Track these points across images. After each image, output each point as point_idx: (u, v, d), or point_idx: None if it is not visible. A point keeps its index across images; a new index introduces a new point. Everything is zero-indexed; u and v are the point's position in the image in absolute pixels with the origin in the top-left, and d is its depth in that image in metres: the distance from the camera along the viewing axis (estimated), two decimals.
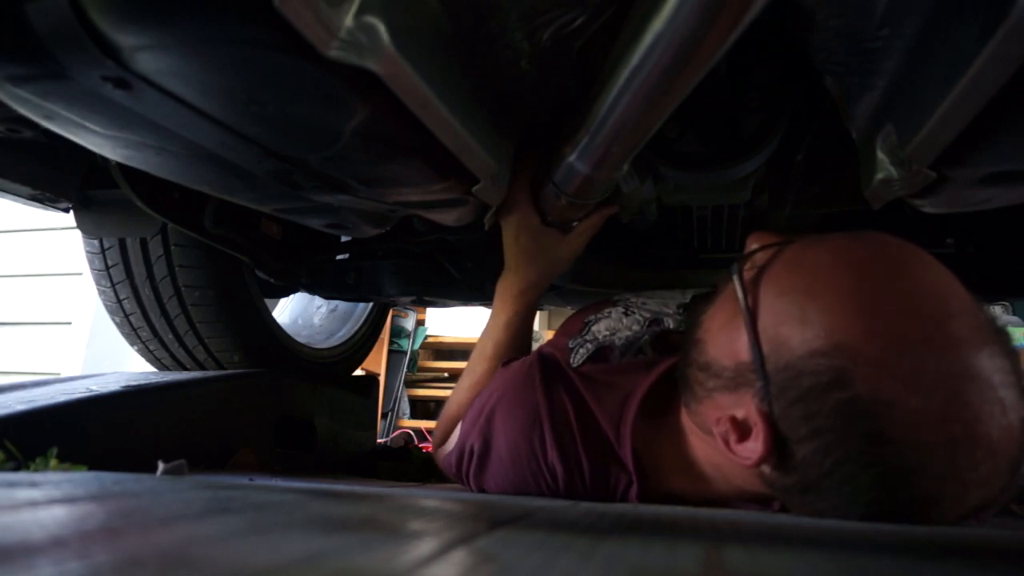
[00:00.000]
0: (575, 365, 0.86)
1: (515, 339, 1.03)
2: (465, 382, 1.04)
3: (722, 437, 0.64)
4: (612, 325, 0.95)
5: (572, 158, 0.80)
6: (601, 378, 0.82)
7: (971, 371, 0.55)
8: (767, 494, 0.67)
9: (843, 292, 0.58)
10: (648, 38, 0.54)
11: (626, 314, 0.98)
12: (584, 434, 0.77)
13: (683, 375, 0.72)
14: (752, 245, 0.70)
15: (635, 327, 0.94)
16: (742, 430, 0.62)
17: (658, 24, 0.52)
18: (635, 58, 0.57)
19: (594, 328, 0.95)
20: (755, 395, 0.61)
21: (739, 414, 0.63)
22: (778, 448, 0.60)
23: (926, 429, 0.54)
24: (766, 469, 0.62)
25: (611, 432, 0.77)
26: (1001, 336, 0.58)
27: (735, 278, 0.66)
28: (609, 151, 0.76)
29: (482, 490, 0.87)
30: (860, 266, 0.60)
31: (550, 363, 0.85)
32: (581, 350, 0.89)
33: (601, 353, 0.88)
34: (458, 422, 0.96)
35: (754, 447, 0.61)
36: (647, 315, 0.98)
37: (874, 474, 0.56)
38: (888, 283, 0.58)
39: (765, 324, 0.62)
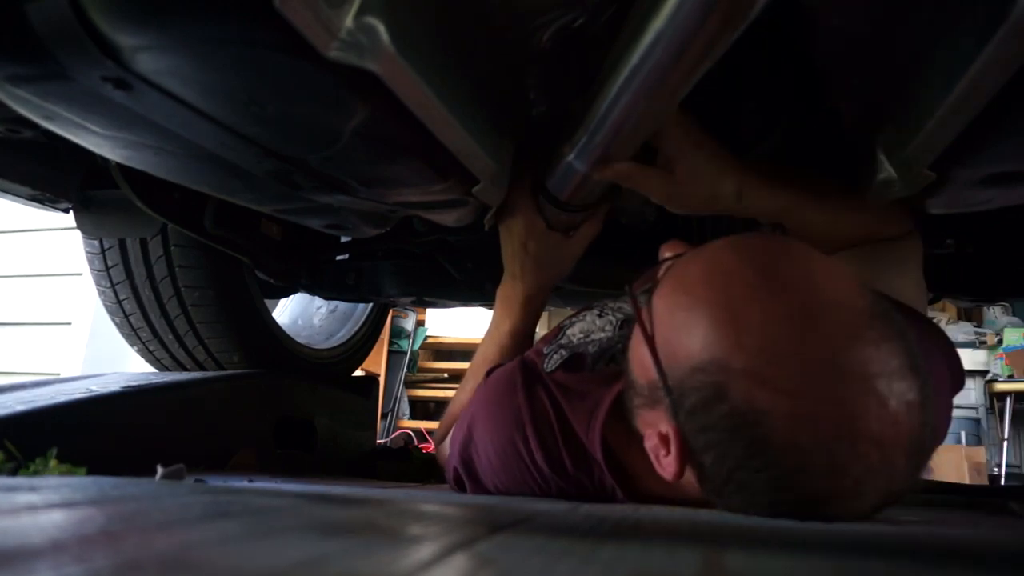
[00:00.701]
0: (548, 371, 0.86)
1: (520, 346, 1.04)
2: (468, 385, 1.04)
3: (653, 452, 0.66)
4: (586, 327, 0.96)
5: (571, 157, 0.80)
6: (573, 386, 0.83)
7: (841, 368, 0.55)
8: None
9: (712, 306, 0.60)
10: (648, 36, 0.54)
11: (600, 315, 0.98)
12: (565, 437, 0.79)
13: (624, 392, 0.74)
14: (663, 254, 0.72)
15: (608, 328, 0.95)
16: (666, 444, 0.64)
17: (659, 23, 0.52)
18: (635, 56, 0.57)
19: (568, 332, 0.96)
20: (666, 410, 0.63)
21: (662, 429, 0.64)
22: (689, 459, 0.62)
23: (801, 431, 0.55)
24: (691, 477, 0.64)
25: (585, 440, 0.78)
26: (884, 321, 0.58)
27: (631, 300, 0.68)
28: (608, 150, 0.76)
29: (477, 491, 0.88)
30: (725, 277, 0.61)
31: (530, 369, 0.87)
32: (555, 356, 0.90)
33: (575, 360, 0.89)
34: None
35: (671, 460, 0.63)
36: (620, 316, 0.98)
37: (765, 478, 0.57)
38: (751, 292, 0.59)
39: (661, 342, 0.64)
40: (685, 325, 0.62)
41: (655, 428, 0.65)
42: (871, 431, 0.55)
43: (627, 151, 0.78)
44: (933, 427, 0.58)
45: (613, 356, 0.89)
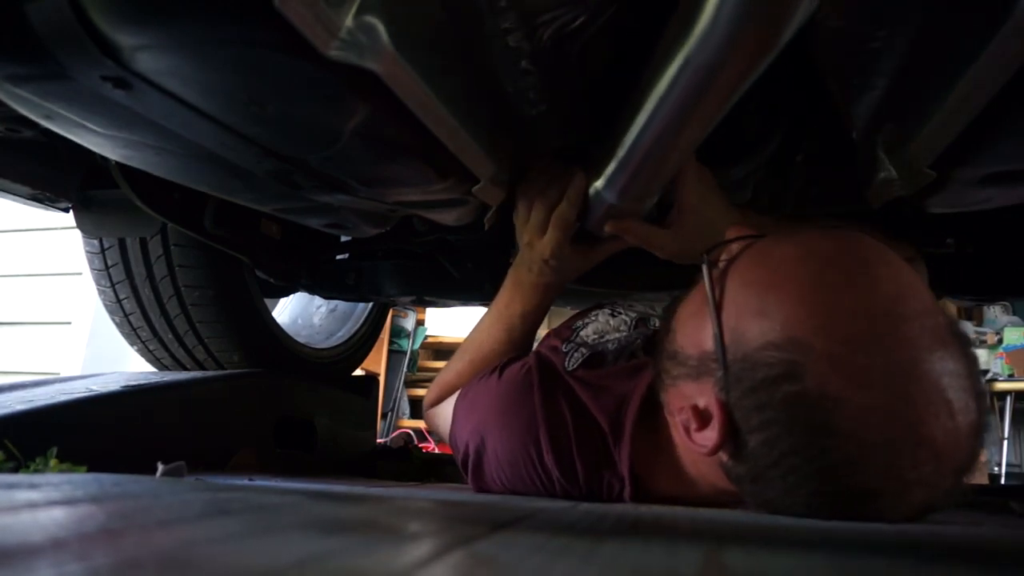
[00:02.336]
0: (570, 369, 0.86)
1: (529, 332, 1.02)
2: (468, 355, 1.02)
3: (683, 425, 0.66)
4: (600, 328, 0.95)
5: (600, 187, 0.79)
6: (596, 382, 0.83)
7: (919, 373, 0.55)
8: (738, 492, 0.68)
9: (802, 286, 0.60)
10: (676, 63, 0.53)
11: (613, 315, 0.97)
12: (579, 439, 0.78)
13: (656, 364, 0.74)
14: (730, 232, 0.71)
15: (622, 328, 0.94)
16: (702, 418, 0.64)
17: (687, 49, 0.50)
18: (664, 83, 0.56)
19: (582, 332, 0.95)
20: (715, 384, 0.62)
21: (700, 403, 0.64)
22: (732, 437, 0.61)
23: (869, 426, 0.55)
24: (723, 457, 0.64)
25: (610, 435, 0.77)
26: (959, 340, 0.58)
27: (704, 268, 0.67)
28: (637, 180, 0.75)
29: (482, 487, 0.87)
30: (822, 262, 0.61)
31: (547, 368, 0.86)
32: (575, 354, 0.90)
33: (595, 359, 0.89)
34: (453, 391, 0.97)
35: (710, 435, 0.62)
36: (633, 315, 0.98)
37: (816, 467, 0.57)
38: (847, 281, 0.59)
39: (728, 315, 0.63)
40: (767, 301, 0.61)
41: (690, 401, 0.65)
42: (935, 439, 0.55)
43: (655, 184, 0.78)
44: (980, 450, 0.59)
45: (633, 353, 0.89)
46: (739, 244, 0.69)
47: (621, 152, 0.71)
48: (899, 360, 0.55)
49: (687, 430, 0.65)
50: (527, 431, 0.80)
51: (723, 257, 0.69)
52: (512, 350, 0.99)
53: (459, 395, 0.95)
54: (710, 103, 0.56)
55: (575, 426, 0.79)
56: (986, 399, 0.59)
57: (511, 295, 1.02)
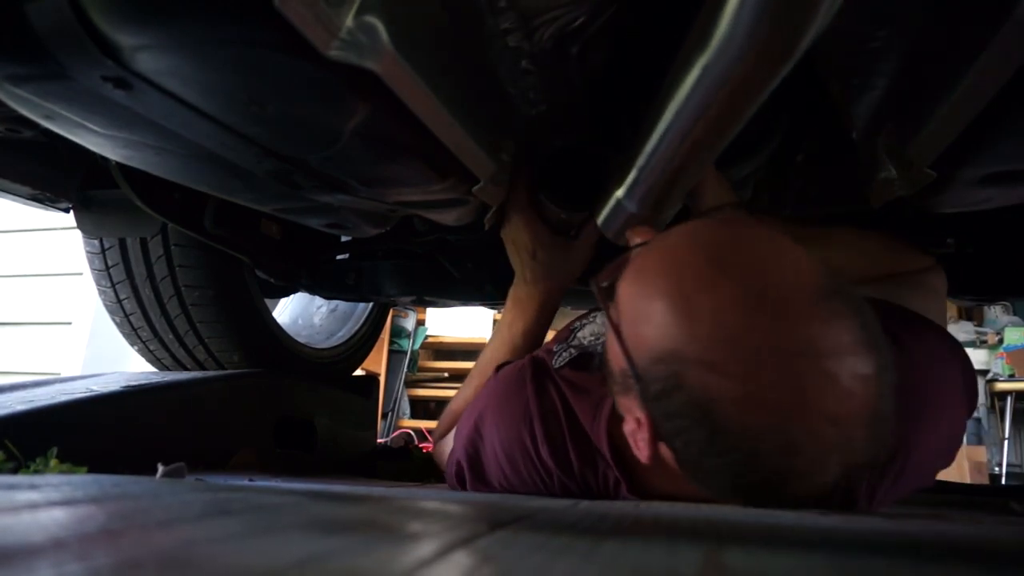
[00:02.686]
0: (557, 367, 0.87)
1: (532, 347, 1.04)
2: (473, 383, 1.05)
3: (631, 436, 0.67)
4: (596, 329, 0.96)
5: (620, 196, 0.79)
6: (579, 383, 0.84)
7: (788, 349, 0.56)
8: None
9: (666, 297, 0.62)
10: (695, 72, 0.52)
11: None
12: (572, 433, 0.80)
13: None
14: (632, 241, 0.73)
15: None
16: (641, 427, 0.66)
17: (705, 58, 0.51)
18: (683, 93, 0.56)
19: (579, 334, 0.96)
20: (637, 397, 0.65)
21: (637, 414, 0.66)
22: (663, 444, 0.64)
23: (752, 415, 0.57)
24: (669, 456, 0.65)
25: (592, 436, 0.79)
26: (834, 299, 0.58)
27: (594, 291, 0.70)
28: (657, 189, 0.75)
29: (481, 488, 0.88)
30: (679, 267, 0.63)
31: (540, 365, 0.88)
32: (564, 354, 0.91)
33: (584, 358, 0.89)
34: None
35: (644, 442, 0.65)
36: None
37: (727, 462, 0.59)
38: (703, 281, 0.60)
39: (626, 331, 0.65)
40: (644, 315, 0.63)
41: (632, 414, 0.67)
42: (824, 408, 0.56)
43: (676, 193, 0.78)
44: (891, 396, 0.59)
45: None
46: (624, 259, 0.71)
47: (641, 161, 0.71)
48: (764, 344, 0.56)
49: (634, 441, 0.67)
50: (522, 422, 0.82)
51: (612, 276, 0.71)
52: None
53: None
54: (730, 112, 0.57)
55: (567, 420, 0.80)
56: (878, 343, 0.58)
57: (513, 315, 1.04)
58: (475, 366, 1.08)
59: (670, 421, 0.61)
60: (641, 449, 0.66)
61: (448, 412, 1.07)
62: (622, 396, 0.69)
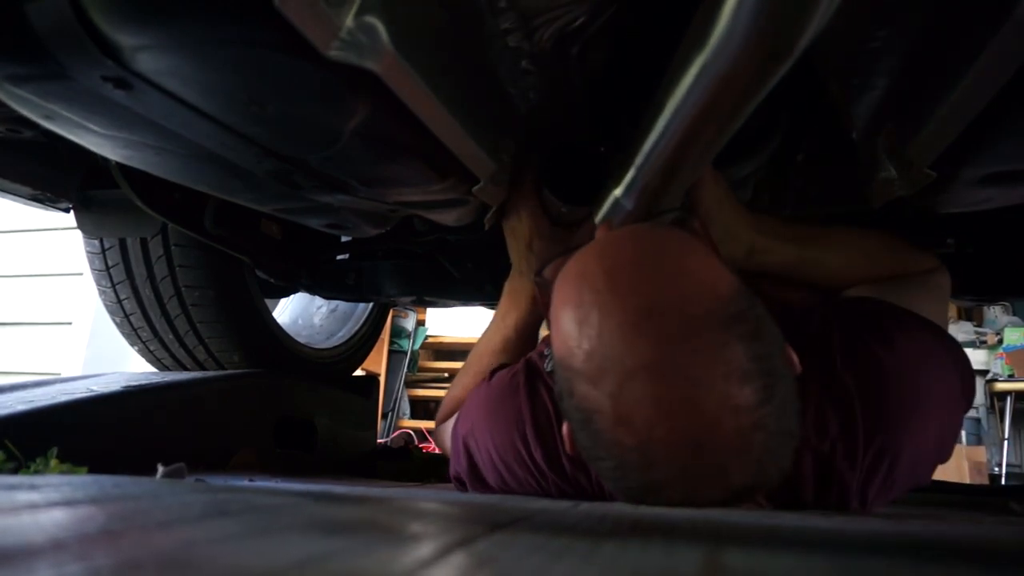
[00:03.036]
0: (549, 371, 0.87)
1: (525, 339, 1.06)
2: (472, 370, 1.07)
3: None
4: None
5: (618, 194, 0.79)
6: None
7: (659, 371, 0.57)
8: None
9: (565, 309, 0.64)
10: (693, 70, 0.52)
11: None
12: (552, 433, 0.81)
13: None
14: (595, 236, 0.74)
15: None
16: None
17: (703, 57, 0.50)
18: (681, 90, 0.56)
19: None
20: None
21: None
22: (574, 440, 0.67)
23: (620, 431, 0.59)
24: None
25: None
26: (730, 324, 0.58)
27: (537, 293, 0.73)
28: (655, 187, 0.75)
29: (480, 491, 0.89)
30: (580, 281, 0.64)
31: (533, 369, 0.89)
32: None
33: None
34: (459, 407, 1.02)
35: (566, 436, 0.68)
36: None
37: (605, 466, 0.62)
38: (596, 297, 0.61)
39: (551, 330, 0.68)
40: (554, 320, 0.66)
41: None
42: (683, 433, 0.57)
43: (674, 191, 0.78)
44: (785, 431, 0.59)
45: None
46: (565, 258, 0.71)
47: (638, 159, 0.70)
48: (639, 363, 0.57)
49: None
50: (515, 426, 0.83)
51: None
52: (509, 360, 1.01)
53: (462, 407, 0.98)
54: (726, 111, 0.56)
55: (559, 424, 0.80)
56: (763, 375, 0.58)
57: (507, 306, 1.06)
58: (471, 354, 1.11)
59: (568, 421, 0.66)
60: (566, 440, 0.69)
61: (449, 399, 1.10)
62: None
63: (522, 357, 1.03)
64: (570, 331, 0.62)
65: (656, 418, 0.57)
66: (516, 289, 1.05)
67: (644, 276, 0.62)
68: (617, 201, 0.80)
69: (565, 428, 0.68)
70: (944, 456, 0.82)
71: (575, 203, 0.96)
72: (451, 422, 1.02)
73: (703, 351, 0.57)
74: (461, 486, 0.93)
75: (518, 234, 1.00)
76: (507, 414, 0.84)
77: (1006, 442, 4.25)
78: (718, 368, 0.57)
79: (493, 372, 0.94)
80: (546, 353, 0.93)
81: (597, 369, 0.59)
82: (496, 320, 1.08)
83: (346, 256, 1.56)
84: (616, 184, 0.78)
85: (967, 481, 3.41)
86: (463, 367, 1.12)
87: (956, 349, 0.84)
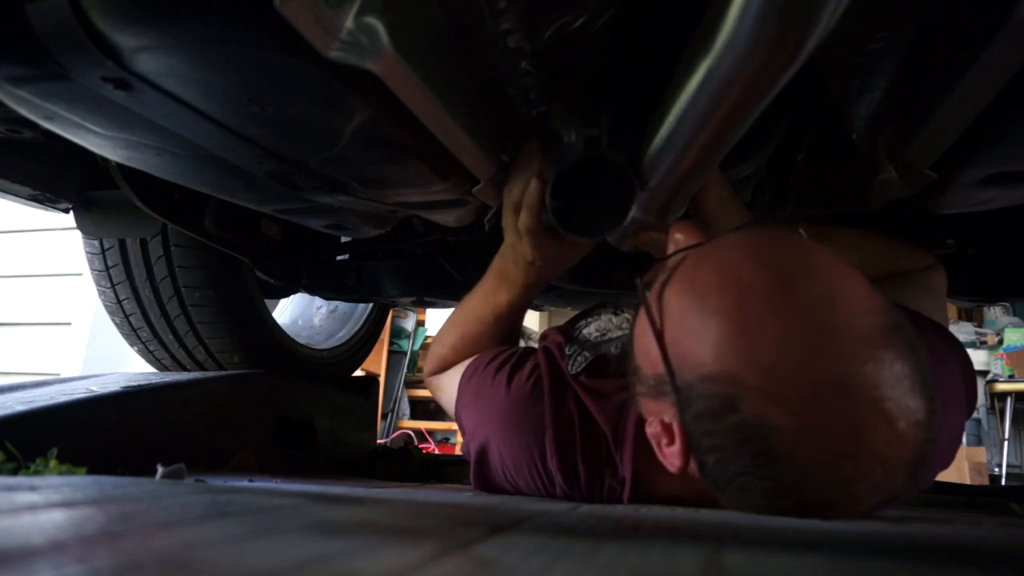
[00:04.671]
0: (574, 372, 0.86)
1: (515, 318, 1.05)
2: (459, 329, 1.06)
3: (654, 439, 0.67)
4: (602, 326, 0.96)
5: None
6: (599, 388, 0.83)
7: (851, 388, 0.56)
8: None
9: (725, 318, 0.60)
10: (699, 75, 0.52)
11: (615, 314, 0.98)
12: (584, 444, 0.79)
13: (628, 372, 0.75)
14: (673, 237, 0.72)
15: (625, 326, 0.95)
16: (669, 435, 0.65)
17: (709, 61, 0.50)
18: (686, 96, 0.56)
19: (585, 331, 0.95)
20: (672, 405, 0.64)
21: (665, 419, 0.65)
22: (693, 455, 0.63)
23: (807, 449, 0.56)
24: (692, 467, 0.65)
25: (612, 441, 0.78)
26: (896, 339, 0.58)
27: (639, 292, 0.68)
28: (661, 194, 0.74)
29: (484, 481, 0.89)
30: (741, 288, 0.60)
31: (556, 373, 0.86)
32: (579, 358, 0.89)
33: (600, 362, 0.89)
34: (450, 365, 1.04)
35: (676, 452, 0.64)
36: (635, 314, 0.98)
37: (766, 486, 0.59)
38: (767, 306, 0.59)
39: (671, 340, 0.64)
40: (697, 332, 0.61)
41: (658, 415, 0.66)
42: (877, 450, 0.55)
43: (681, 197, 0.77)
44: (936, 440, 0.59)
45: None
46: (675, 259, 0.69)
47: (646, 166, 0.70)
48: (828, 380, 0.56)
49: (658, 444, 0.66)
50: (533, 435, 0.81)
51: (662, 274, 0.70)
52: (500, 332, 1.03)
53: (464, 377, 0.97)
54: (734, 115, 0.56)
55: (581, 431, 0.80)
56: (931, 387, 0.58)
57: (497, 285, 1.02)
58: (457, 314, 1.08)
59: (710, 438, 0.60)
60: (669, 457, 0.65)
61: (435, 356, 1.09)
62: (650, 400, 0.68)
63: (514, 331, 1.04)
64: (738, 344, 0.59)
65: (849, 434, 0.55)
66: (507, 274, 0.99)
67: (818, 286, 0.60)
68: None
69: (678, 444, 0.63)
70: (947, 461, 0.82)
71: (576, 231, 0.93)
72: (445, 379, 1.04)
73: (889, 365, 0.56)
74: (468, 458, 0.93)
75: (519, 253, 0.95)
76: (528, 424, 0.82)
77: (1006, 443, 4.25)
78: (903, 383, 0.56)
79: (511, 372, 0.89)
80: (569, 352, 0.90)
81: (780, 384, 0.56)
82: (484, 295, 1.04)
83: (346, 257, 1.56)
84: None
85: (967, 482, 3.41)
86: (447, 326, 1.09)
87: (960, 349, 0.84)
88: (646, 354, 0.67)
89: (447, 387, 1.03)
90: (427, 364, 1.12)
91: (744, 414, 0.57)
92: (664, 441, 0.65)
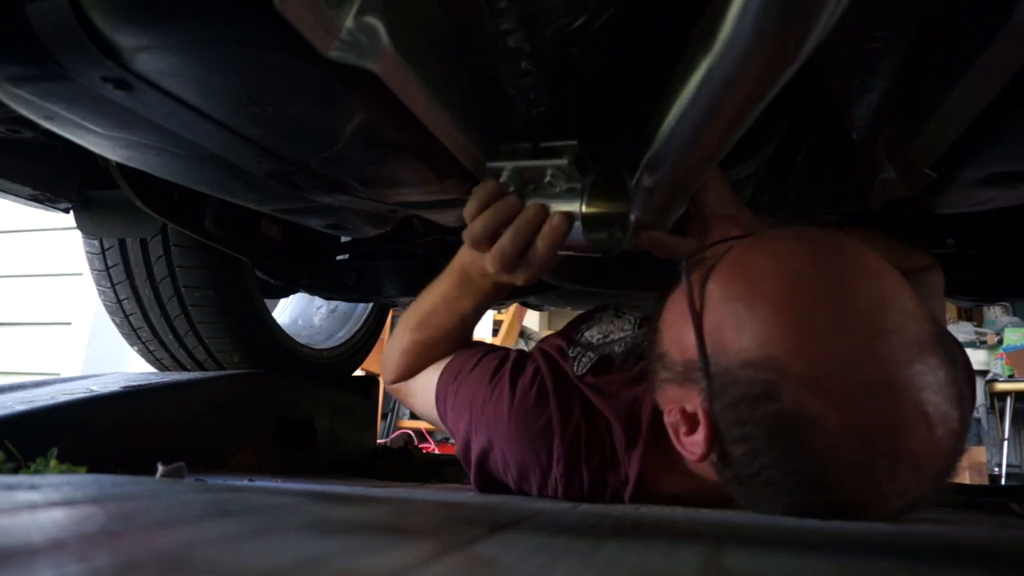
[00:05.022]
0: (580, 375, 0.86)
1: (474, 324, 0.98)
2: (418, 334, 0.96)
3: (672, 427, 0.66)
4: (605, 328, 0.95)
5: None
6: (607, 388, 0.83)
7: (897, 389, 0.55)
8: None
9: (777, 304, 0.59)
10: (699, 75, 0.52)
11: (617, 315, 0.97)
12: (589, 448, 0.79)
13: (647, 363, 0.74)
14: (715, 230, 0.71)
15: (627, 327, 0.94)
16: (690, 423, 0.64)
17: (709, 60, 0.50)
18: (686, 95, 0.55)
19: (587, 333, 0.95)
20: (700, 392, 0.63)
21: (688, 407, 0.64)
22: (718, 444, 0.62)
23: (846, 446, 0.56)
24: (713, 459, 0.64)
25: (624, 440, 0.77)
26: (941, 347, 0.58)
27: (684, 277, 0.67)
28: (661, 193, 0.74)
29: (483, 478, 0.87)
30: (796, 277, 0.60)
31: (559, 375, 0.85)
32: (583, 359, 0.89)
33: (604, 363, 0.88)
34: (412, 370, 0.97)
35: (698, 441, 0.63)
36: (638, 314, 0.97)
37: (795, 481, 0.58)
38: (821, 298, 0.58)
39: (709, 325, 0.63)
40: (744, 317, 0.61)
41: (679, 404, 0.65)
42: (914, 453, 0.55)
43: (681, 197, 0.77)
44: (963, 451, 0.59)
45: (640, 355, 0.89)
46: (720, 248, 0.68)
47: (645, 165, 0.70)
48: (876, 379, 0.55)
49: (676, 433, 0.65)
50: (540, 440, 0.80)
51: (704, 263, 0.69)
52: (464, 333, 0.97)
53: (443, 381, 0.92)
54: (735, 115, 0.56)
55: (587, 435, 0.79)
56: (967, 402, 0.59)
57: (460, 290, 0.91)
58: (416, 313, 0.96)
59: (741, 427, 0.59)
60: (690, 446, 0.64)
61: (394, 363, 0.99)
62: (674, 386, 0.66)
63: (464, 342, 0.97)
64: (784, 330, 0.58)
65: (890, 435, 0.55)
66: (472, 280, 0.89)
67: (871, 285, 0.60)
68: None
69: (704, 432, 0.62)
70: None
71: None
72: (415, 384, 0.97)
73: (933, 372, 0.56)
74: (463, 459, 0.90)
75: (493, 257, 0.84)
76: (535, 431, 0.80)
77: (1006, 442, 4.25)
78: (946, 391, 0.56)
79: (513, 375, 0.86)
80: (573, 355, 0.89)
81: (826, 376, 0.56)
82: (445, 298, 0.93)
83: (346, 256, 1.56)
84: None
85: (967, 482, 3.41)
86: (403, 329, 0.99)
87: (960, 353, 0.84)
88: (678, 340, 0.66)
89: (420, 392, 0.98)
90: (385, 372, 1.03)
91: (784, 403, 0.56)
92: (684, 430, 0.64)
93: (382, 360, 1.05)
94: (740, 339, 0.60)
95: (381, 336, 2.16)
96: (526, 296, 1.61)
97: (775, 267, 0.62)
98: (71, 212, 1.20)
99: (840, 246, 0.64)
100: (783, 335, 0.58)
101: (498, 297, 0.93)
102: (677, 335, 0.67)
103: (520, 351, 0.95)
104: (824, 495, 0.58)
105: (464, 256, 0.89)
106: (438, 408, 0.94)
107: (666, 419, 0.66)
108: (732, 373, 0.60)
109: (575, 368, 0.86)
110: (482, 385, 0.89)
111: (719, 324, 0.62)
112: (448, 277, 0.92)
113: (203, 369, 1.49)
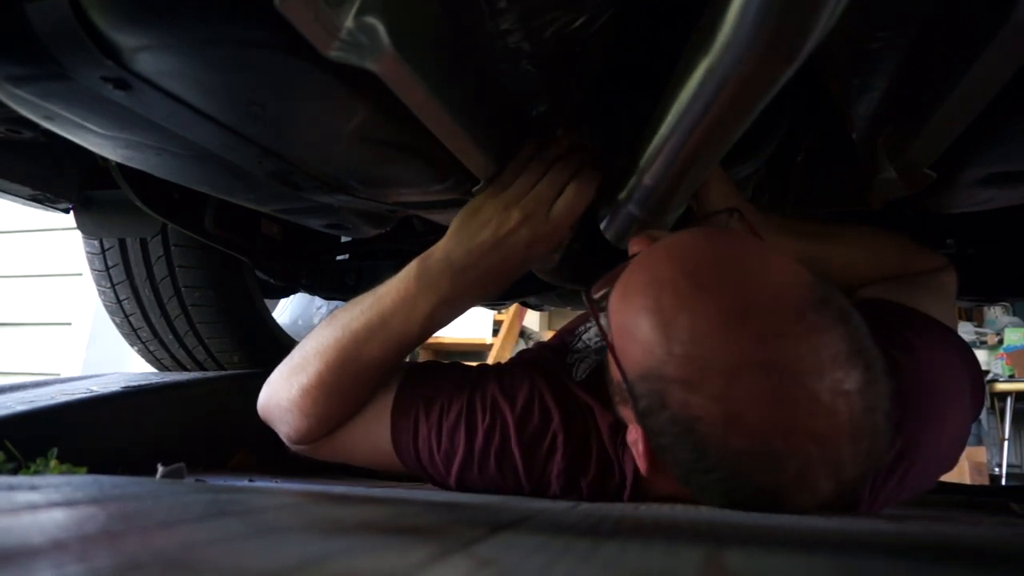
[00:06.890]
0: (579, 380, 0.85)
1: (423, 339, 0.83)
2: (350, 355, 0.82)
3: (632, 445, 0.68)
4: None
5: (622, 200, 0.78)
6: (605, 392, 0.82)
7: (766, 367, 0.55)
8: None
9: (646, 316, 0.61)
10: (699, 74, 0.52)
11: None
12: (595, 465, 0.77)
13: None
14: (631, 250, 0.72)
15: None
16: (635, 439, 0.66)
17: (709, 59, 0.50)
18: (686, 94, 0.55)
19: (584, 336, 0.95)
20: (631, 410, 0.65)
21: (634, 426, 0.66)
22: (653, 456, 0.64)
23: (732, 434, 0.56)
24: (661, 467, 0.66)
25: (611, 445, 0.77)
26: (817, 312, 0.57)
27: (589, 304, 0.70)
28: (661, 192, 0.74)
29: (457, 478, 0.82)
30: (659, 286, 0.62)
31: (562, 387, 0.82)
32: (583, 365, 0.88)
33: (602, 369, 0.88)
34: (335, 421, 0.86)
35: (641, 454, 0.66)
36: None
37: (714, 479, 0.59)
38: (681, 300, 0.60)
39: (617, 345, 0.65)
40: (629, 331, 0.63)
41: (632, 423, 0.67)
42: (805, 426, 0.55)
43: (682, 195, 0.77)
44: (888, 409, 0.58)
45: None
46: (618, 271, 0.69)
47: (644, 164, 0.70)
48: (742, 362, 0.56)
49: (636, 448, 0.67)
50: (545, 459, 0.78)
51: (605, 289, 0.71)
52: (405, 353, 0.84)
53: (407, 431, 0.81)
54: (735, 114, 0.56)
55: (593, 444, 0.78)
56: (866, 355, 0.57)
57: (425, 292, 0.78)
58: (353, 314, 0.82)
59: (656, 438, 0.62)
60: (639, 461, 0.66)
61: (307, 414, 0.88)
62: (622, 406, 0.69)
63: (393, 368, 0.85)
64: (655, 339, 0.59)
65: (774, 414, 0.55)
66: (441, 287, 0.79)
67: (730, 274, 0.60)
68: (622, 206, 0.80)
69: (641, 447, 0.64)
70: (950, 464, 0.81)
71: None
72: (359, 440, 0.85)
73: (806, 339, 0.56)
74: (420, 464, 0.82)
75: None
76: (540, 448, 0.78)
77: (1006, 442, 4.25)
78: (823, 354, 0.56)
79: (511, 394, 0.80)
80: (570, 361, 0.88)
81: (697, 372, 0.57)
82: (405, 297, 0.79)
83: (346, 256, 1.56)
84: (620, 189, 0.78)
85: (967, 482, 3.41)
86: (323, 328, 0.88)
87: (967, 351, 0.84)
88: (611, 363, 0.69)
89: (362, 444, 0.85)
90: (286, 424, 0.88)
91: (673, 408, 0.58)
92: (638, 447, 0.66)
93: (273, 409, 0.89)
94: (632, 355, 0.62)
95: None
96: (526, 296, 1.61)
97: (643, 280, 0.64)
98: (71, 212, 1.21)
99: (703, 244, 0.65)
100: (654, 344, 0.60)
101: (463, 307, 0.84)
102: (609, 358, 0.70)
103: (483, 364, 0.92)
104: (742, 487, 0.59)
105: (443, 256, 0.80)
106: (406, 457, 0.83)
107: (627, 438, 0.69)
108: (635, 390, 0.63)
109: (574, 372, 0.86)
110: (468, 417, 0.80)
111: (620, 343, 0.65)
112: (413, 278, 0.80)
113: (203, 369, 1.49)
